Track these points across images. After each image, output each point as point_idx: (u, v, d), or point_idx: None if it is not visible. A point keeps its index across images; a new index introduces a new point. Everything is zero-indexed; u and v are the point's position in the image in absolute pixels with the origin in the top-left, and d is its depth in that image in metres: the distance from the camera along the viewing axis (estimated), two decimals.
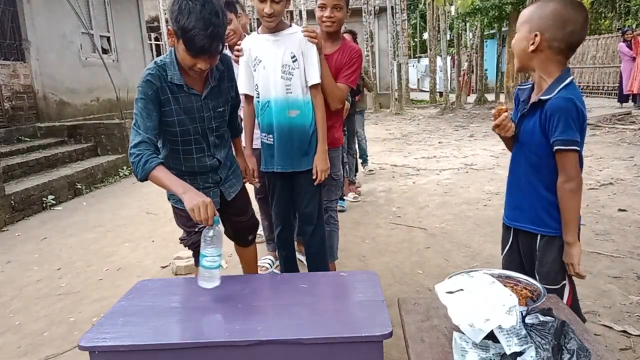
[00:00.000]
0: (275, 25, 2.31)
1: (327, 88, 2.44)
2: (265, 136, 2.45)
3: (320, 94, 2.42)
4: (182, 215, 2.20)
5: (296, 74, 2.35)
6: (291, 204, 2.61)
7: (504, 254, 1.87)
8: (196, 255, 2.32)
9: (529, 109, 1.67)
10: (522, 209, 1.73)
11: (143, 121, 1.89)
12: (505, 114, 1.69)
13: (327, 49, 2.54)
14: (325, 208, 2.81)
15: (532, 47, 1.60)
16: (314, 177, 2.44)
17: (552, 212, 1.65)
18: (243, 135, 2.57)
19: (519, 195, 1.75)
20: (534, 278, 1.68)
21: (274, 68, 2.34)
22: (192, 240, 2.24)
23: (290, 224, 2.69)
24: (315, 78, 2.37)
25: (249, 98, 2.50)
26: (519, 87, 1.81)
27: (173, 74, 1.94)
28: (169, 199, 2.23)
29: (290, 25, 2.40)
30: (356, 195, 5.11)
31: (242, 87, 2.44)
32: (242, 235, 2.46)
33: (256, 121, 2.53)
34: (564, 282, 1.68)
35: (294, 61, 2.34)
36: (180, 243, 2.31)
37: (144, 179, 1.83)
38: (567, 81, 1.58)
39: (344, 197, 4.86)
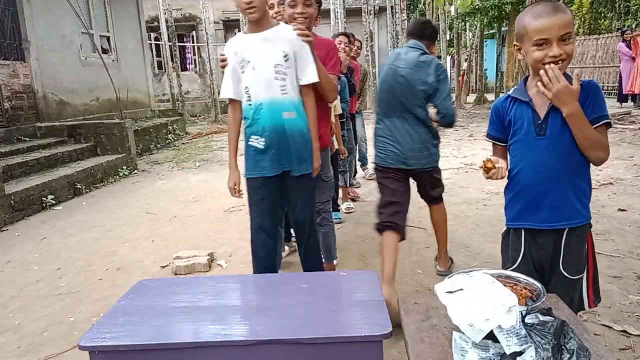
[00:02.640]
0: (263, 24, 2.25)
1: (323, 82, 2.40)
2: (257, 139, 2.29)
3: (312, 92, 2.37)
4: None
5: (290, 74, 2.27)
6: (280, 211, 2.46)
7: (516, 265, 1.74)
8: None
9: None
10: (555, 208, 1.67)
11: None
12: (494, 170, 1.66)
13: None
14: (319, 210, 2.78)
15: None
16: None
17: (584, 200, 1.70)
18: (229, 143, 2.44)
19: (550, 195, 1.67)
20: (554, 278, 1.69)
21: (266, 68, 2.24)
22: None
23: (277, 232, 2.47)
24: (312, 77, 2.31)
25: (234, 104, 2.38)
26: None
27: None
28: None
29: (279, 24, 2.32)
30: (350, 206, 4.85)
31: (228, 92, 2.34)
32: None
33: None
34: (586, 267, 1.73)
35: (286, 60, 2.26)
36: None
37: None
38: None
39: (339, 209, 4.58)
